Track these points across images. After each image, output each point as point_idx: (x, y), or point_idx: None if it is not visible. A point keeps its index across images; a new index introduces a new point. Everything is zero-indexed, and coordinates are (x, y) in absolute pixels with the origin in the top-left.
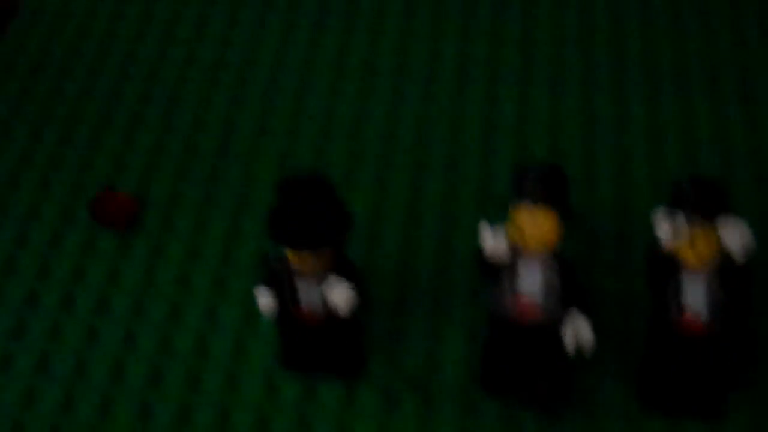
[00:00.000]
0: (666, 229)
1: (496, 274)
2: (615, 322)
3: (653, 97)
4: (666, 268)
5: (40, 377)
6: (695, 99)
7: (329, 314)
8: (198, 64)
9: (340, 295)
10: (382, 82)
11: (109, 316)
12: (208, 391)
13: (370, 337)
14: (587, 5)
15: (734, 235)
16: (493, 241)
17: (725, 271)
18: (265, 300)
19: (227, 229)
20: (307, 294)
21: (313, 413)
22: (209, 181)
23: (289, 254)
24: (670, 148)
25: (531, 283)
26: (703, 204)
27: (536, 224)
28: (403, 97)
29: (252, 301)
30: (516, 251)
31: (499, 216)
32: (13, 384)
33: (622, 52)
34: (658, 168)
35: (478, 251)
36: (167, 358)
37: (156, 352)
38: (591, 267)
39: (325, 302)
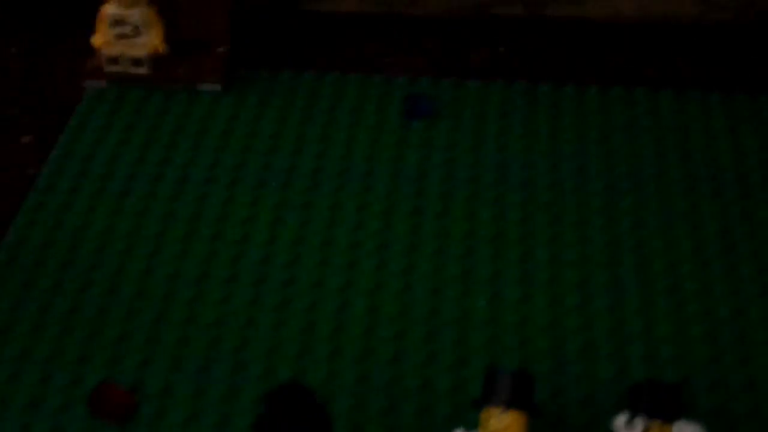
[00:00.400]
0: (621, 424)
1: None
2: None
3: (618, 297)
4: None
5: None
6: (657, 301)
7: None
8: (190, 260)
9: None
10: (358, 300)
11: None
12: None
13: None
14: (557, 205)
15: None
16: None
17: None
18: None
19: (217, 422)
20: None
21: None
22: (201, 374)
23: None
24: (633, 347)
25: None
26: (658, 406)
27: (505, 427)
28: (378, 310)
29: None
30: None
31: (472, 412)
32: None
33: (588, 254)
34: (621, 365)
35: None
36: None
37: None
38: None
39: None
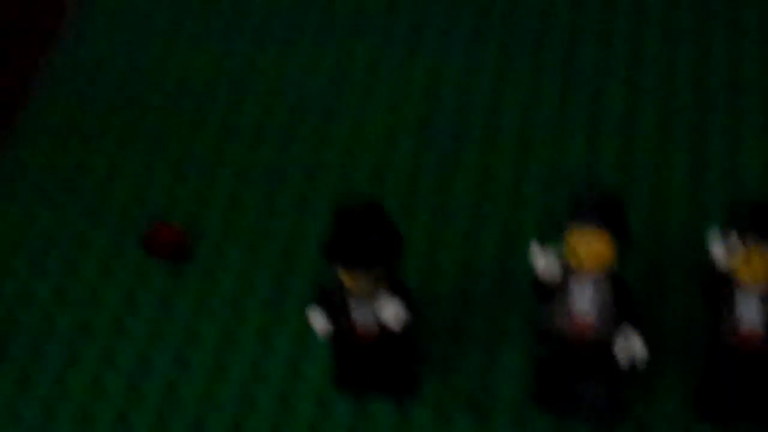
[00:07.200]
0: (720, 249)
1: (551, 294)
2: (675, 338)
3: (701, 122)
4: (721, 287)
5: (95, 398)
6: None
7: (382, 332)
8: (252, 91)
9: (391, 311)
10: (442, 116)
11: (162, 343)
12: (262, 411)
13: (427, 358)
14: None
15: None
16: (544, 262)
17: None
18: (319, 320)
19: (280, 256)
20: (360, 313)
21: None
22: (262, 210)
23: (343, 274)
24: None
25: (584, 301)
26: (758, 224)
27: (589, 245)
28: (466, 120)
29: (305, 324)
30: (569, 271)
31: (557, 238)
32: (68, 406)
33: (672, 71)
34: (703, 191)
35: (533, 272)
36: (221, 381)
37: (209, 376)
38: (653, 287)
39: (377, 320)
